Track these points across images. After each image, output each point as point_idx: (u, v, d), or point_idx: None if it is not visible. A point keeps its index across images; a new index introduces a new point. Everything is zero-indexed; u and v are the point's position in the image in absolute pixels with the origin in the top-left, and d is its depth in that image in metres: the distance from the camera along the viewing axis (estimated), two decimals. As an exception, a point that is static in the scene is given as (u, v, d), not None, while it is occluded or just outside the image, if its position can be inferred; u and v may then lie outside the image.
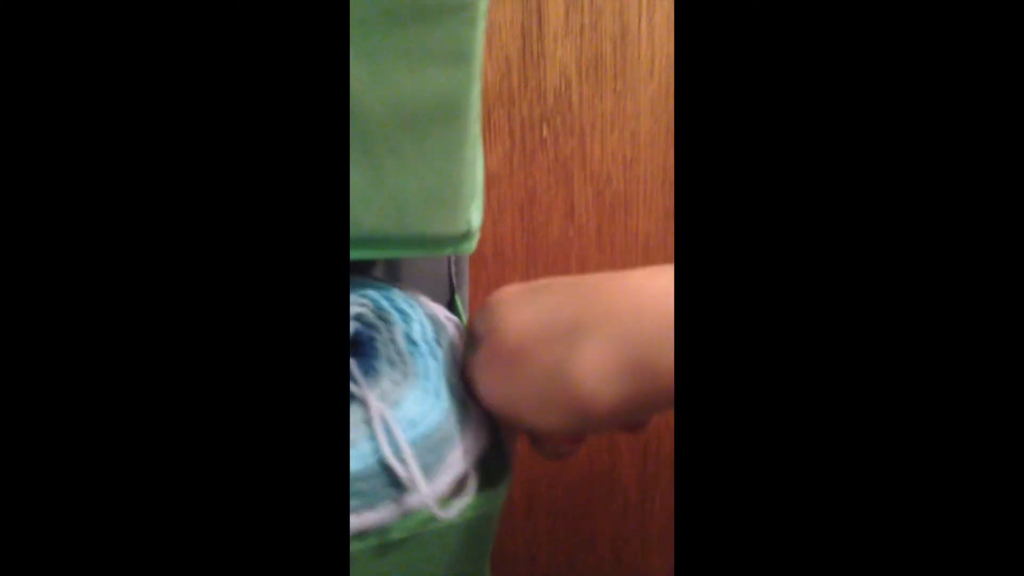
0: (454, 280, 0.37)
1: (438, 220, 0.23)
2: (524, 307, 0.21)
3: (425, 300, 0.30)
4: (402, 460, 0.20)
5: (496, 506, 0.23)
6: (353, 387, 0.23)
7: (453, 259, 0.37)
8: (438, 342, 0.27)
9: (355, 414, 0.22)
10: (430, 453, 0.21)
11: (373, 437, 0.21)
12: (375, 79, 0.19)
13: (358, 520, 0.20)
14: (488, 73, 0.38)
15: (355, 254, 0.24)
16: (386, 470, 0.20)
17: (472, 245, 0.25)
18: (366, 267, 0.36)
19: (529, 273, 0.43)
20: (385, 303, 0.28)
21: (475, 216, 0.24)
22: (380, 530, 0.20)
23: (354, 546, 0.21)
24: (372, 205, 0.22)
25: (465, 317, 0.38)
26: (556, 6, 0.37)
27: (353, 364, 0.25)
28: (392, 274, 0.37)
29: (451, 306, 0.38)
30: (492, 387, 0.21)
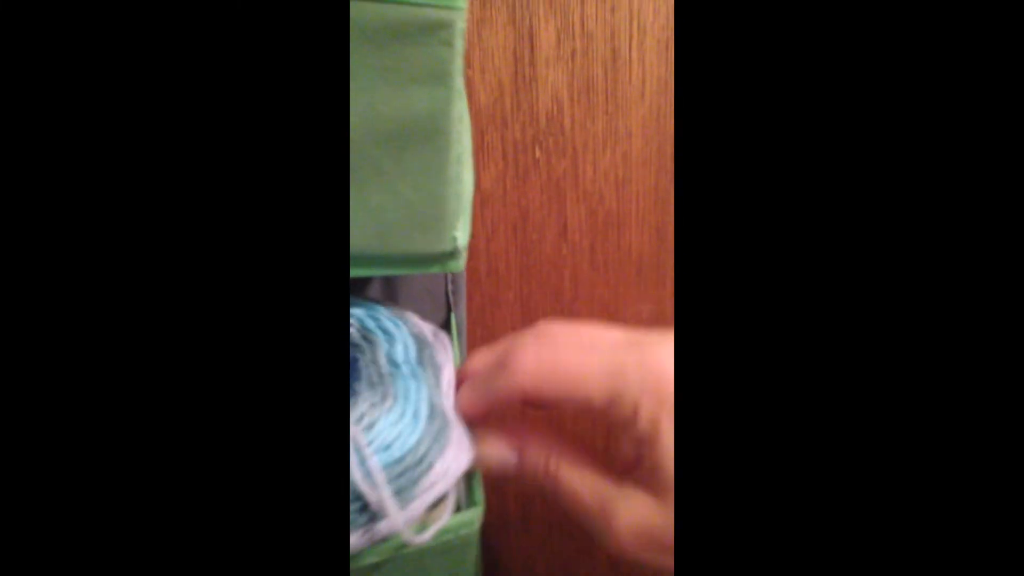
0: (451, 298, 0.37)
1: (422, 238, 0.23)
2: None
3: (413, 318, 0.30)
4: (373, 485, 0.20)
5: (474, 528, 0.23)
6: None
7: (450, 277, 0.37)
8: (420, 362, 0.26)
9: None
10: (403, 476, 0.21)
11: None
12: (355, 99, 0.19)
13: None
14: (481, 96, 0.38)
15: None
16: (357, 496, 0.20)
17: (460, 263, 0.25)
18: (362, 285, 0.36)
19: (523, 289, 0.43)
20: (371, 323, 0.28)
21: (460, 234, 0.24)
22: (354, 555, 0.20)
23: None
24: (356, 223, 0.22)
25: (462, 336, 0.38)
26: (548, 32, 0.37)
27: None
28: (390, 292, 0.38)
29: (447, 324, 0.38)
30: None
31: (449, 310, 0.37)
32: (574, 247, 0.43)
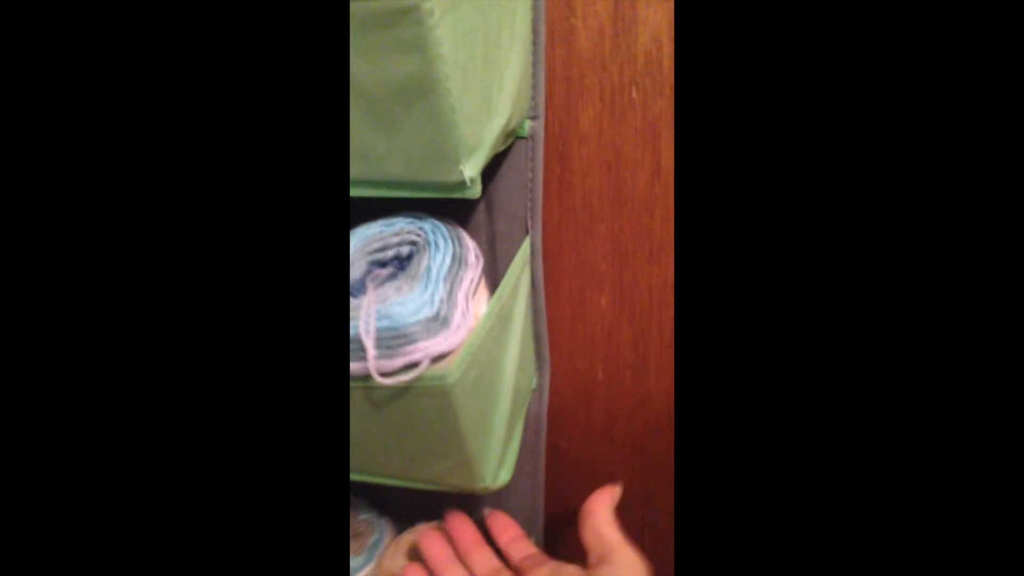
0: (528, 223, 0.43)
1: (437, 171, 0.31)
2: None
3: (467, 240, 0.37)
4: (367, 335, 0.29)
5: (444, 382, 0.31)
6: (370, 285, 0.33)
7: (529, 207, 0.43)
8: (448, 275, 0.34)
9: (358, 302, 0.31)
10: (391, 339, 0.30)
11: (358, 318, 0.30)
12: (369, 67, 0.27)
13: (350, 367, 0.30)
14: (582, 41, 0.41)
15: (386, 192, 0.32)
16: (356, 341, 0.30)
17: (474, 191, 0.32)
18: (471, 207, 0.45)
19: (614, 225, 0.46)
20: (430, 235, 0.37)
21: (468, 169, 0.31)
22: (358, 378, 0.30)
23: (353, 384, 0.31)
24: (392, 158, 0.31)
25: (536, 256, 0.44)
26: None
27: (384, 272, 0.34)
28: (488, 212, 0.45)
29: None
30: None
31: (527, 232, 0.44)
32: (666, 187, 0.44)
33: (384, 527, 0.54)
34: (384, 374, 0.30)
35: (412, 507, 0.53)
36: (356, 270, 0.35)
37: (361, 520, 0.54)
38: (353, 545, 0.52)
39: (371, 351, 0.29)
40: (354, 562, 0.50)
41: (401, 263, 0.36)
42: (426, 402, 0.32)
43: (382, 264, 0.36)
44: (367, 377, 0.30)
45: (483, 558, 0.42)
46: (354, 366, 0.31)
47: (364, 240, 0.36)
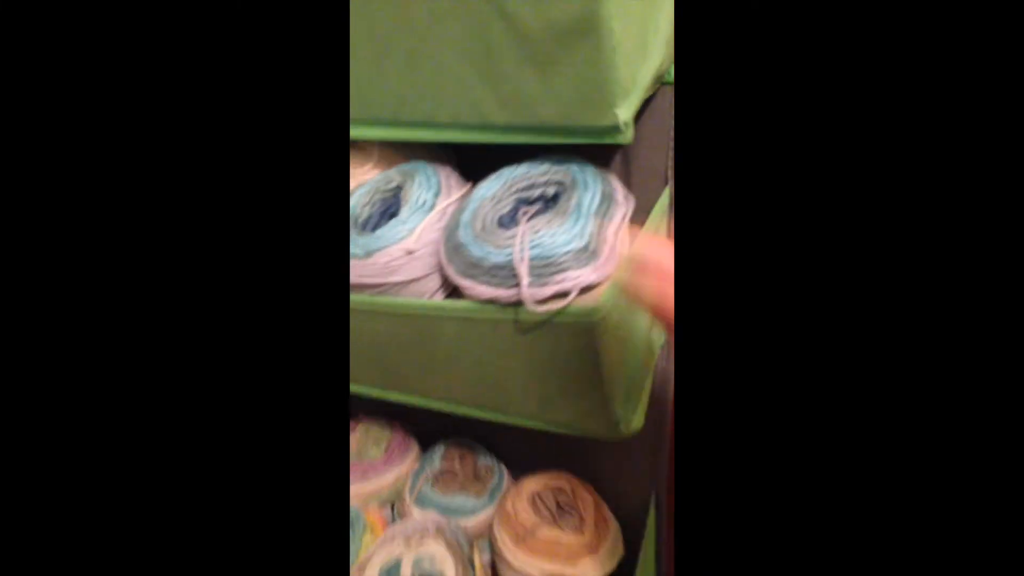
0: (667, 173, 0.43)
1: (591, 114, 0.31)
2: None
3: (614, 180, 0.37)
4: (520, 262, 0.30)
5: (592, 319, 0.31)
6: (522, 218, 0.33)
7: (669, 155, 0.42)
8: (598, 212, 0.34)
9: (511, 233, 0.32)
10: (546, 266, 0.31)
11: (511, 246, 0.31)
12: (534, 8, 0.27)
13: (495, 292, 0.31)
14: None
15: (534, 139, 0.33)
16: (511, 268, 0.31)
17: (627, 136, 0.31)
18: (608, 155, 0.45)
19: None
20: (578, 175, 0.37)
21: (623, 113, 0.30)
22: (506, 305, 0.31)
23: (496, 314, 0.32)
24: (545, 102, 0.31)
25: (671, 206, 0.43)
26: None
27: (533, 209, 0.35)
28: (625, 159, 0.45)
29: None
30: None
31: (666, 182, 0.43)
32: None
33: (503, 472, 0.55)
34: (535, 302, 0.31)
35: (529, 456, 0.54)
36: (504, 206, 0.35)
37: (481, 465, 0.56)
38: (475, 487, 0.54)
39: (525, 277, 0.30)
40: (477, 502, 0.52)
41: (547, 203, 0.36)
42: (570, 337, 0.32)
43: (529, 202, 0.36)
44: (518, 304, 0.31)
45: None
46: (504, 292, 0.32)
47: (511, 179, 0.36)
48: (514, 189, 0.36)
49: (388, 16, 0.33)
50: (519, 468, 0.55)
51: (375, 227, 0.39)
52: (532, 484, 0.51)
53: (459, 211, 0.36)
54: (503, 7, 0.29)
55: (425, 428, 0.59)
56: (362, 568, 0.46)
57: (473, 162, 0.41)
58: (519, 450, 0.56)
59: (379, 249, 0.36)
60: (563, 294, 0.31)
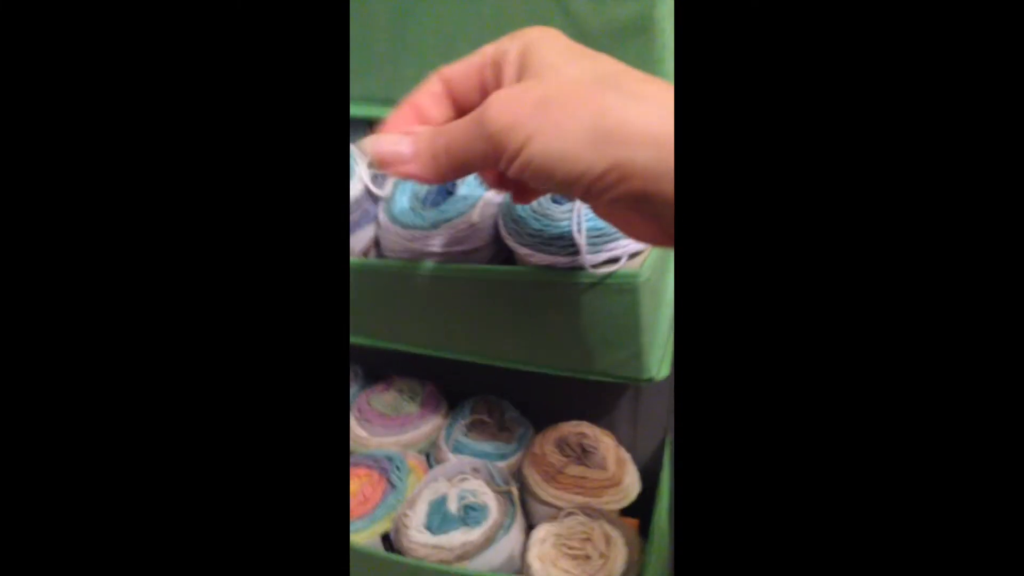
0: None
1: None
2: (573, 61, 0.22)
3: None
4: (579, 233, 0.35)
5: (635, 280, 0.37)
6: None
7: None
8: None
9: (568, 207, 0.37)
10: (597, 237, 0.36)
11: (569, 218, 0.36)
12: (595, 7, 0.32)
13: (553, 259, 0.37)
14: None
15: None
16: (570, 238, 0.36)
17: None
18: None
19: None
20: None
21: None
22: (567, 270, 0.37)
23: (565, 278, 0.38)
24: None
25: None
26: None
27: None
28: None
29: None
30: (542, 126, 0.21)
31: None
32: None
33: (528, 424, 0.62)
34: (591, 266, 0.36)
35: (551, 408, 0.61)
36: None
37: (508, 417, 0.62)
38: (504, 436, 0.60)
39: (583, 245, 0.36)
40: (507, 448, 0.58)
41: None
42: (616, 297, 0.38)
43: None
44: (578, 268, 0.37)
45: None
46: (561, 259, 0.37)
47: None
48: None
49: (456, 10, 0.37)
50: (539, 424, 0.62)
51: (434, 202, 0.44)
52: (558, 431, 0.58)
53: (513, 188, 0.41)
54: (567, 5, 0.34)
55: (449, 387, 0.65)
56: (412, 503, 0.52)
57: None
58: (540, 407, 0.63)
59: (445, 221, 0.41)
60: (614, 259, 0.36)
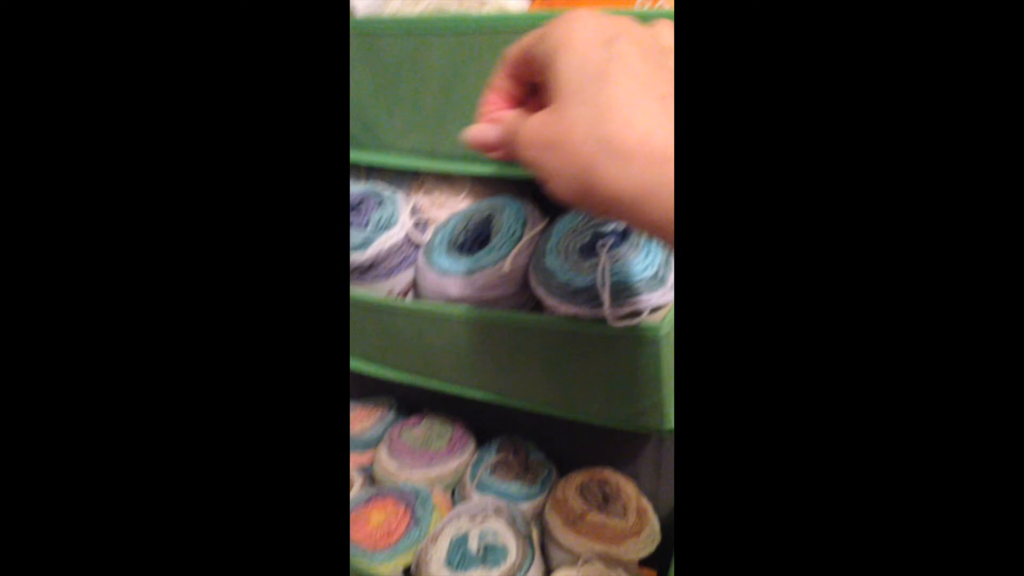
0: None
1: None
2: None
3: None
4: (603, 287, 0.38)
5: (657, 333, 0.38)
6: (601, 249, 0.41)
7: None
8: (665, 245, 0.42)
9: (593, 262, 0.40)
10: (623, 291, 0.38)
11: (595, 272, 0.39)
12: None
13: (578, 310, 0.39)
14: None
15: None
16: (594, 290, 0.38)
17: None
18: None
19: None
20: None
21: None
22: (592, 321, 0.39)
23: (590, 328, 0.39)
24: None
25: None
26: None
27: (610, 240, 0.42)
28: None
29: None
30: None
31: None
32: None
33: (552, 467, 0.63)
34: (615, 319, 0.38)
35: (575, 452, 0.62)
36: (584, 238, 0.43)
37: (533, 459, 0.63)
38: (528, 478, 0.61)
39: (607, 299, 0.38)
40: (530, 490, 0.59)
41: (619, 236, 0.44)
42: (638, 348, 0.39)
43: (603, 235, 0.44)
44: (601, 320, 0.38)
45: None
46: (586, 310, 0.39)
47: (588, 215, 0.44)
48: (592, 223, 0.44)
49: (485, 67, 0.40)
50: (563, 466, 0.63)
51: (469, 250, 0.47)
52: (580, 476, 0.58)
53: (544, 240, 0.44)
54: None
55: (478, 426, 0.66)
56: (434, 539, 0.53)
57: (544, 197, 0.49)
58: (566, 446, 0.63)
59: (479, 269, 0.43)
60: (637, 312, 0.38)
